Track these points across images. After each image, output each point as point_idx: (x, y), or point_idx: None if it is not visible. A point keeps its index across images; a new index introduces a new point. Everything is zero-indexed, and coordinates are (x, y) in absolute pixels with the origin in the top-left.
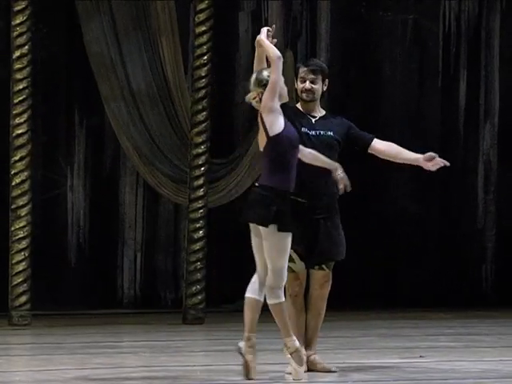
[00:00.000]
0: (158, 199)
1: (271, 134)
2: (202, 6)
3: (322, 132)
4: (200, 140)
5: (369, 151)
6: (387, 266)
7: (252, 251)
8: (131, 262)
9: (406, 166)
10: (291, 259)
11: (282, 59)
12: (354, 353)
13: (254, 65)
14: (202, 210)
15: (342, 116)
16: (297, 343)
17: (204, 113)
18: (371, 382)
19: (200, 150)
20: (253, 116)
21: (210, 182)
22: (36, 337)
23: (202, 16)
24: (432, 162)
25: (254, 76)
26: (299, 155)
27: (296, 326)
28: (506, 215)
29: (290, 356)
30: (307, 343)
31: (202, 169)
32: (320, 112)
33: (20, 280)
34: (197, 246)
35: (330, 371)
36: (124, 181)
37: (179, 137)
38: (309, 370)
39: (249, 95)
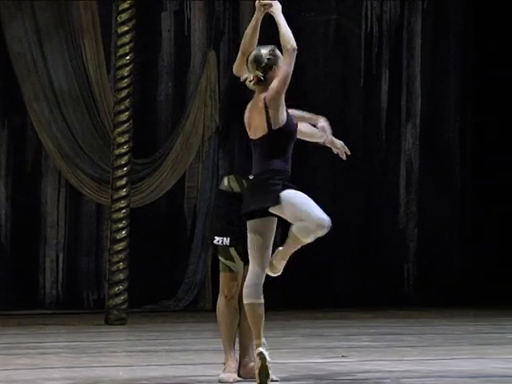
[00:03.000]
0: (81, 199)
1: (274, 127)
2: (125, 5)
3: None
4: (123, 140)
5: None
6: (309, 266)
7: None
8: (53, 262)
9: (326, 164)
10: (231, 257)
11: (296, 51)
12: (277, 353)
13: (248, 33)
14: (124, 210)
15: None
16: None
17: (126, 113)
18: (294, 382)
19: (123, 150)
20: (175, 116)
21: (132, 182)
22: None
23: (124, 16)
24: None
25: (252, 55)
26: None
27: (228, 329)
28: (427, 215)
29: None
30: (243, 349)
31: (125, 169)
32: None
33: None
34: (119, 247)
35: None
36: (46, 180)
37: (101, 136)
38: (246, 377)
39: (244, 76)
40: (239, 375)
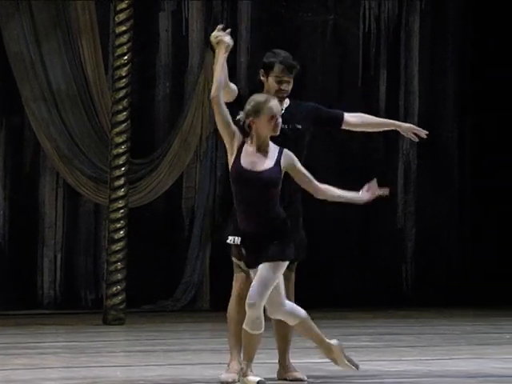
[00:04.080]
0: (79, 199)
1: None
2: (122, 5)
3: (289, 126)
4: (120, 140)
5: (343, 127)
6: (308, 265)
7: None
8: (51, 263)
9: (324, 165)
10: (242, 257)
11: (216, 98)
12: (275, 353)
13: (217, 70)
14: (122, 211)
15: (308, 101)
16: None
17: (124, 113)
18: (292, 382)
19: (120, 150)
20: (173, 116)
21: (130, 181)
22: None
23: (122, 16)
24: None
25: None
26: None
27: (236, 330)
28: (425, 215)
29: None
30: (280, 353)
31: (123, 169)
32: (285, 103)
33: None
34: (117, 247)
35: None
36: (44, 181)
37: (99, 137)
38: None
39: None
40: (283, 378)
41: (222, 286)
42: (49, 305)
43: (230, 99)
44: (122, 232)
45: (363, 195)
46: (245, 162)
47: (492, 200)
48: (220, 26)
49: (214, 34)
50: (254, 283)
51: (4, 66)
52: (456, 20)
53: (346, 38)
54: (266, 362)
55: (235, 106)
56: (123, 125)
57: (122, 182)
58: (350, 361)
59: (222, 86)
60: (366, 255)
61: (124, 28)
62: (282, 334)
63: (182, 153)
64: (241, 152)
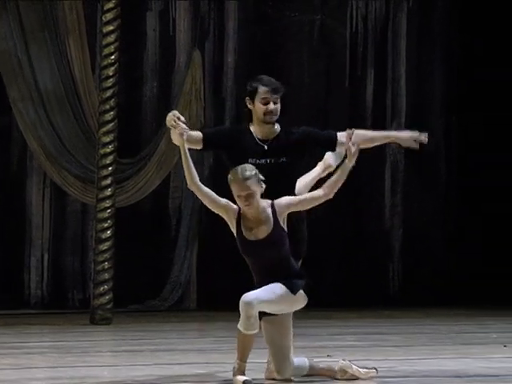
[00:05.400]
0: (66, 199)
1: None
2: (110, 5)
3: (272, 160)
4: (108, 139)
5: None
6: None
7: None
8: (38, 262)
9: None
10: None
11: (193, 186)
12: (261, 352)
13: (183, 161)
14: (109, 210)
15: (298, 126)
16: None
17: (111, 112)
18: (278, 382)
19: (108, 150)
20: (160, 116)
21: (117, 181)
22: None
23: (109, 15)
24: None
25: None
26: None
27: None
28: (412, 215)
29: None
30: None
31: (110, 168)
32: (275, 131)
33: None
34: (104, 246)
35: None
36: (31, 181)
37: (87, 136)
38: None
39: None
40: (272, 378)
41: (209, 285)
42: (36, 304)
43: (199, 147)
44: (109, 232)
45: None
46: (246, 232)
47: (478, 199)
48: (176, 113)
49: (170, 118)
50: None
51: None
52: (443, 20)
53: (333, 38)
54: (254, 362)
55: (208, 148)
56: (110, 124)
57: (109, 181)
58: (364, 368)
59: (193, 173)
60: (353, 255)
61: (111, 27)
62: None
63: (169, 152)
64: (240, 222)
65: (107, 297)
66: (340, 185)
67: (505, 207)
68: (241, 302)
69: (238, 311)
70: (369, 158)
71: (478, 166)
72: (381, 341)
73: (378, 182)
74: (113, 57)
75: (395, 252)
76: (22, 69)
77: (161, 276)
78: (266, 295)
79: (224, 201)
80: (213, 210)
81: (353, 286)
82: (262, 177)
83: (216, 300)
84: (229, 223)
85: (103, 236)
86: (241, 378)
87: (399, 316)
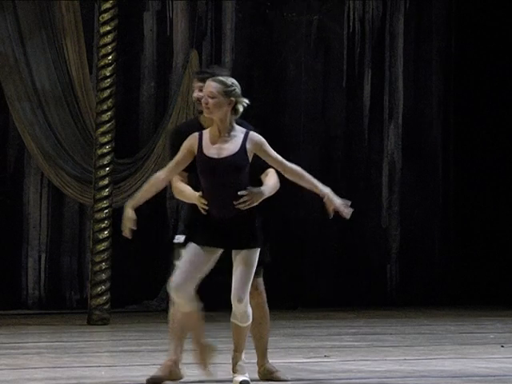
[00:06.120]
0: (63, 199)
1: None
2: (107, 5)
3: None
4: (105, 140)
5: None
6: (291, 266)
7: None
8: (36, 263)
9: (308, 164)
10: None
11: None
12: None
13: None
14: (107, 211)
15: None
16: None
17: (109, 113)
18: (276, 382)
19: (105, 150)
20: (157, 116)
21: (115, 182)
22: None
23: (106, 16)
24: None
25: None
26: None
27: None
28: (410, 215)
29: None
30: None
31: (107, 169)
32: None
33: None
34: (102, 247)
35: (283, 380)
36: (28, 181)
37: (84, 137)
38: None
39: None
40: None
41: (207, 285)
42: (33, 305)
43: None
44: (106, 232)
45: (329, 198)
46: (209, 150)
47: (476, 200)
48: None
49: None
50: (235, 279)
51: None
52: (440, 20)
53: (330, 38)
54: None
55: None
56: (108, 124)
57: (106, 181)
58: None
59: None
60: (350, 255)
61: (108, 28)
62: (258, 334)
63: (167, 153)
64: (201, 142)
65: (104, 297)
66: (300, 182)
67: (503, 207)
68: (233, 301)
69: None
70: (366, 157)
71: (475, 166)
72: (379, 341)
73: (375, 182)
74: (110, 57)
75: (393, 252)
76: (18, 68)
77: (158, 276)
78: (248, 280)
79: (182, 149)
80: (184, 161)
81: (351, 287)
82: (245, 100)
83: (215, 300)
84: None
85: (100, 236)
86: (238, 378)
87: (397, 316)
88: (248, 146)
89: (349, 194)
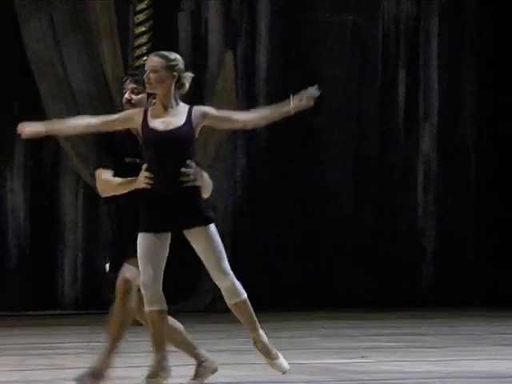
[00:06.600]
0: (99, 199)
1: None
2: (142, 6)
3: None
4: None
5: None
6: (327, 266)
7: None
8: (72, 263)
9: (342, 164)
10: None
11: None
12: (296, 353)
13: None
14: None
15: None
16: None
17: None
18: (313, 383)
19: None
20: None
21: None
22: None
23: (141, 16)
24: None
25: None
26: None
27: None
28: (445, 215)
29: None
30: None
31: None
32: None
33: None
34: None
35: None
36: (64, 181)
37: None
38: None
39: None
40: None
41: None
42: (69, 305)
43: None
44: None
45: (294, 103)
46: (154, 123)
47: (509, 201)
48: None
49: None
50: (208, 260)
51: (24, 65)
52: (474, 19)
53: (365, 39)
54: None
55: None
56: None
57: None
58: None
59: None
60: (385, 255)
61: (143, 28)
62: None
63: (202, 154)
64: (147, 115)
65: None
66: (265, 121)
67: None
68: (220, 280)
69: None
70: (401, 157)
71: (509, 166)
72: (417, 342)
73: (410, 182)
74: (145, 58)
75: (428, 252)
76: (54, 69)
77: (191, 278)
78: (223, 255)
79: (125, 113)
80: (123, 127)
81: (386, 287)
82: (189, 74)
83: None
84: (138, 129)
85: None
86: (278, 362)
87: (433, 317)
88: (194, 119)
89: (384, 194)
